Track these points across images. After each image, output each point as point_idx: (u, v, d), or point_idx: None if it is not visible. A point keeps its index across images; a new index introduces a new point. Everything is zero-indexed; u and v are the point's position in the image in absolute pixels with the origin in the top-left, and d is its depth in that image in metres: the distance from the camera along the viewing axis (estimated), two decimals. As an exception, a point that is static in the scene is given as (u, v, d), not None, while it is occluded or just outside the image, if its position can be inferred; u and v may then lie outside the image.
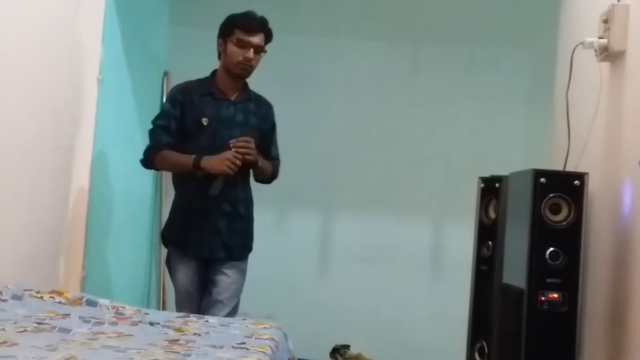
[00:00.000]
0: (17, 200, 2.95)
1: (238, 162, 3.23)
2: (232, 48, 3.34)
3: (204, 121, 3.32)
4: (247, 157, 3.26)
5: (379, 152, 4.95)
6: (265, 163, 3.47)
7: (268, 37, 3.40)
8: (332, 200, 5.00)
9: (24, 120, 2.96)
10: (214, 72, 3.45)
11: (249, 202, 3.49)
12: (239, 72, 3.38)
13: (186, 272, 3.36)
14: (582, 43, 3.12)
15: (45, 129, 3.19)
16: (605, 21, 2.97)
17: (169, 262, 3.45)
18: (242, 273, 3.43)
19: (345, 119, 4.98)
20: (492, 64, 4.93)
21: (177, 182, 3.44)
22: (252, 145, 3.29)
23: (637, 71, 2.75)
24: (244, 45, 3.32)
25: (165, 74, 4.86)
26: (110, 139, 3.92)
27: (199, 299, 3.36)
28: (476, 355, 3.51)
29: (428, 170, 4.91)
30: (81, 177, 3.62)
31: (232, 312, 3.36)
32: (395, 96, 4.97)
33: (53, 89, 3.23)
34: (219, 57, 3.42)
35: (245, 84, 3.48)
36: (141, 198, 4.65)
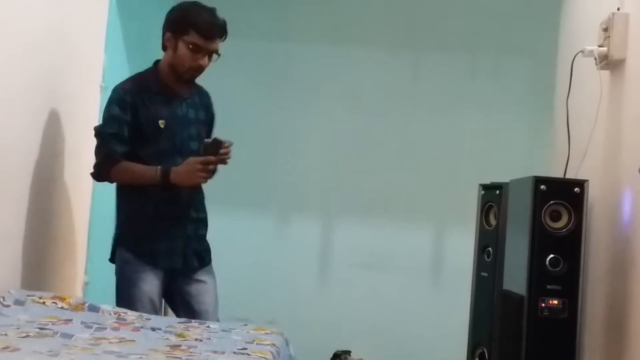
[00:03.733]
0: (20, 206, 2.96)
1: (212, 170, 2.96)
2: (184, 51, 2.97)
3: (161, 123, 2.98)
4: (225, 162, 2.98)
5: (380, 159, 4.96)
6: None
7: (224, 38, 3.06)
8: (333, 207, 5.01)
9: (27, 127, 2.97)
10: (156, 65, 3.10)
11: (204, 204, 3.21)
12: (187, 77, 3.05)
13: (153, 282, 3.00)
14: (582, 51, 3.14)
15: (48, 136, 3.20)
16: (605, 29, 2.99)
17: (124, 271, 3.04)
18: (214, 275, 3.18)
19: (346, 126, 4.99)
20: (493, 72, 4.95)
21: (135, 188, 3.04)
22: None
23: (636, 79, 2.77)
24: (199, 50, 2.97)
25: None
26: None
27: (161, 313, 3.11)
28: (476, 361, 3.52)
29: (429, 178, 4.92)
30: (83, 183, 3.63)
31: (217, 315, 3.15)
32: (396, 104, 4.99)
33: (55, 95, 3.24)
34: (163, 49, 3.06)
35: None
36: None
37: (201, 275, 3.09)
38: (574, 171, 3.31)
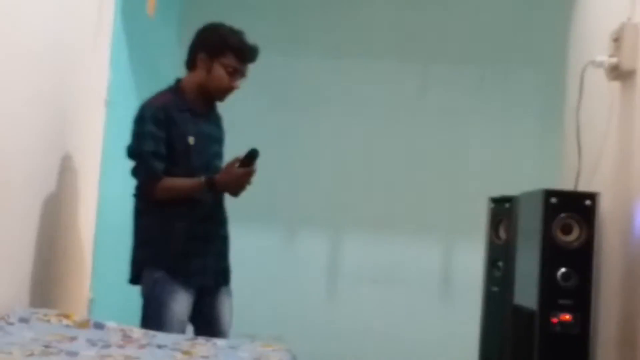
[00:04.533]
0: (24, 222, 2.94)
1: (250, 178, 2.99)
2: (220, 72, 3.03)
3: (191, 140, 3.01)
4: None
5: (388, 172, 4.94)
6: None
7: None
8: (341, 221, 4.98)
9: (31, 142, 2.96)
10: (178, 83, 3.13)
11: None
12: (220, 98, 3.12)
13: (184, 303, 2.99)
14: (592, 62, 3.12)
15: (53, 151, 3.19)
16: (616, 40, 2.96)
17: (154, 291, 2.98)
18: (232, 295, 3.21)
19: (354, 139, 4.97)
20: (502, 83, 4.93)
21: (168, 206, 3.01)
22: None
23: (648, 90, 2.74)
24: (235, 73, 3.05)
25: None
26: (118, 160, 3.91)
27: (184, 331, 3.06)
28: (488, 377, 3.47)
29: (438, 191, 4.89)
30: (89, 199, 3.61)
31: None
32: (404, 116, 4.97)
33: (60, 110, 3.23)
34: (191, 68, 3.11)
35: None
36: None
37: (223, 295, 3.13)
38: (585, 184, 3.28)
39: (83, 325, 2.64)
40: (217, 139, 3.16)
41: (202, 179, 2.97)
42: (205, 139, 3.08)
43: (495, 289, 3.47)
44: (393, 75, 4.99)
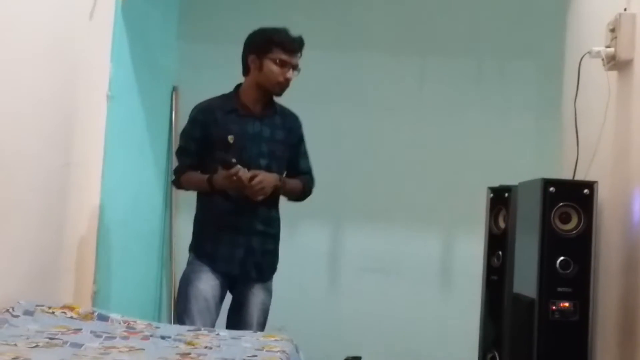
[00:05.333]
0: (28, 216, 2.97)
1: (237, 181, 3.14)
2: (271, 67, 3.27)
3: (230, 139, 3.24)
4: (260, 195, 3.20)
5: (387, 163, 4.96)
6: (291, 183, 3.41)
7: (301, 55, 3.37)
8: (341, 212, 5.00)
9: (34, 137, 2.98)
10: (237, 87, 3.38)
11: (278, 221, 3.44)
12: (277, 91, 3.33)
13: (209, 282, 3.24)
14: (589, 52, 3.13)
15: (55, 146, 3.21)
16: (612, 30, 2.97)
17: (186, 271, 3.31)
18: (270, 292, 3.40)
19: (353, 131, 4.98)
20: (500, 75, 4.94)
21: (206, 195, 3.31)
22: (265, 183, 3.19)
23: (644, 79, 2.75)
24: (284, 65, 3.28)
25: (175, 89, 4.88)
26: (120, 154, 3.94)
27: (215, 313, 3.27)
28: (488, 365, 3.50)
29: (437, 181, 4.90)
30: (92, 193, 3.64)
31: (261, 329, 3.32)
32: (403, 108, 4.98)
33: (62, 105, 3.25)
34: (246, 73, 3.34)
35: (271, 98, 3.40)
36: (152, 212, 4.66)
37: (257, 289, 3.33)
38: (583, 173, 3.30)
39: (87, 317, 2.68)
40: (267, 139, 3.32)
41: (207, 177, 3.22)
42: (247, 137, 3.28)
43: (494, 277, 3.49)
44: (392, 68, 4.99)
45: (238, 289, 3.34)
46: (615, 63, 2.97)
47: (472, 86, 4.95)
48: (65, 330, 2.48)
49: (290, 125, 3.45)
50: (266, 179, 3.21)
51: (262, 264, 3.34)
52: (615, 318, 2.91)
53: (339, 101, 4.98)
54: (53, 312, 2.66)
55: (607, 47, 3.01)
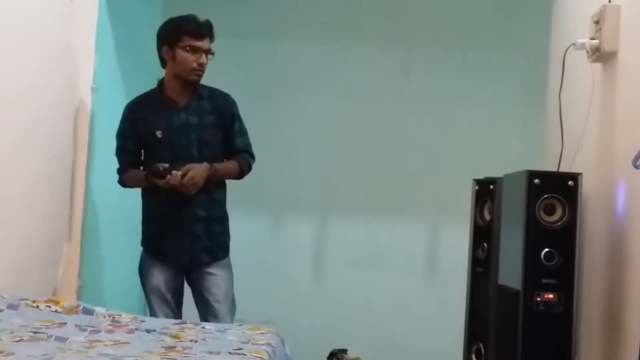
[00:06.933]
0: (12, 209, 2.95)
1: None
2: (183, 55, 3.29)
3: (159, 134, 3.31)
4: (193, 189, 3.27)
5: (373, 156, 4.96)
6: (225, 167, 3.41)
7: (212, 38, 3.36)
8: (327, 204, 5.00)
9: (18, 130, 2.96)
10: (161, 81, 3.41)
11: (220, 202, 3.46)
12: (193, 78, 3.33)
13: (160, 276, 3.38)
14: (573, 44, 3.14)
15: (40, 138, 3.19)
16: (597, 22, 2.98)
17: (140, 267, 3.47)
18: (229, 268, 3.45)
19: (340, 123, 4.98)
20: (486, 67, 4.94)
21: (145, 190, 3.44)
22: (197, 177, 3.25)
23: (629, 71, 2.77)
24: (196, 51, 3.29)
25: (160, 81, 4.85)
26: (106, 147, 3.91)
27: (172, 303, 3.41)
28: (473, 357, 3.51)
29: (423, 174, 4.91)
30: (77, 186, 3.62)
31: (232, 307, 3.41)
32: (389, 100, 4.98)
33: (47, 98, 3.23)
34: (163, 65, 3.38)
35: (195, 85, 3.37)
36: (136, 206, 4.63)
37: (213, 269, 3.39)
38: (567, 164, 3.31)
39: (72, 311, 2.66)
40: (195, 127, 3.34)
41: (144, 174, 3.32)
42: (175, 129, 3.32)
43: (480, 269, 3.51)
44: (378, 60, 4.99)
45: (194, 274, 3.40)
46: (600, 55, 2.98)
47: (458, 78, 4.95)
48: (49, 324, 2.46)
49: (220, 107, 3.41)
50: (197, 173, 3.25)
51: (212, 247, 3.39)
52: (599, 309, 2.93)
53: (324, 94, 4.98)
54: (37, 306, 2.65)
55: (592, 39, 3.02)
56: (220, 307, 3.35)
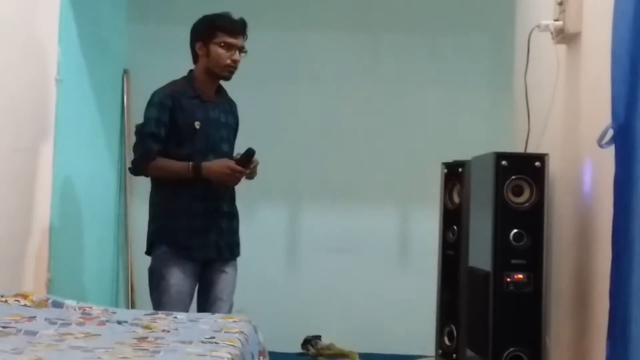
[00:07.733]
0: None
1: (239, 177, 3.27)
2: (218, 51, 3.28)
3: (197, 125, 3.26)
4: (252, 177, 3.37)
5: (343, 142, 4.96)
6: None
7: (246, 37, 3.39)
8: (299, 191, 5.01)
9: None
10: (191, 73, 3.38)
11: (235, 201, 3.47)
12: (226, 75, 3.35)
13: (182, 274, 3.24)
14: (538, 26, 3.15)
15: (4, 131, 3.16)
16: (560, 3, 3.00)
17: (159, 265, 3.26)
18: (236, 268, 3.46)
19: (309, 110, 4.98)
20: (453, 50, 4.96)
21: (174, 184, 3.26)
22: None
23: (592, 52, 2.79)
24: (230, 47, 3.29)
25: (125, 72, 4.82)
26: (72, 139, 3.88)
27: (189, 301, 3.31)
28: (445, 339, 3.54)
29: (393, 159, 4.92)
30: (43, 179, 3.58)
31: (231, 308, 3.39)
32: (358, 85, 4.98)
33: (11, 90, 3.19)
34: (195, 60, 3.35)
35: (220, 84, 3.43)
36: (105, 198, 4.61)
37: (226, 267, 3.37)
38: (534, 146, 3.33)
39: (41, 304, 2.64)
40: (224, 125, 3.38)
41: (190, 164, 3.20)
42: (211, 124, 3.32)
43: (450, 252, 3.53)
44: (345, 46, 4.99)
45: (210, 269, 3.35)
46: (564, 36, 3.00)
47: (425, 62, 4.96)
48: (19, 318, 2.44)
49: (234, 112, 3.52)
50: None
51: (232, 244, 3.41)
52: (568, 288, 2.96)
53: (292, 80, 4.97)
54: (6, 301, 2.62)
55: (556, 20, 3.04)
56: (224, 306, 3.33)
